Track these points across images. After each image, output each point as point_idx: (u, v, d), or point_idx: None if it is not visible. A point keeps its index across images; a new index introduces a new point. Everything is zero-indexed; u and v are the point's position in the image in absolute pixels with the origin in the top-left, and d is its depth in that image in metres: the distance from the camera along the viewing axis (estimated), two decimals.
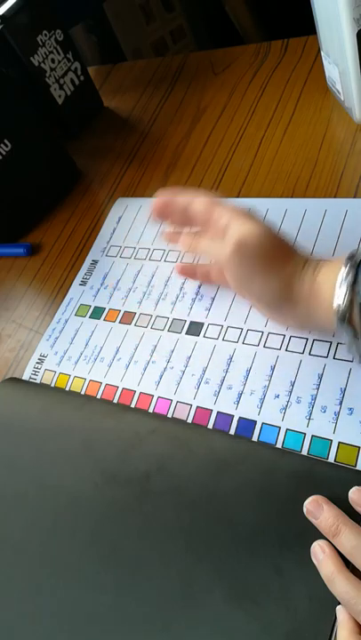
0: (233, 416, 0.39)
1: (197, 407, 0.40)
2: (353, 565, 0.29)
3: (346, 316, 0.32)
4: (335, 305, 0.32)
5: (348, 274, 0.32)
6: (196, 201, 0.40)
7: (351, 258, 0.33)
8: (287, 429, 0.37)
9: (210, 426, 0.39)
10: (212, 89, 0.62)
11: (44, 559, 0.38)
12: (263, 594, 0.31)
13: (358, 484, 0.32)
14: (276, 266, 0.36)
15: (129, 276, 0.51)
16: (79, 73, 0.64)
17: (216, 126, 0.58)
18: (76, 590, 0.36)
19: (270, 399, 0.38)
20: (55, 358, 0.49)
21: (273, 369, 0.40)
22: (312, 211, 0.45)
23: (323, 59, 0.50)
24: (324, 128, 0.51)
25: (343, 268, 0.32)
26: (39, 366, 0.49)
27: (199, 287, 0.47)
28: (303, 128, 0.52)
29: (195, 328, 0.45)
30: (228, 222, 0.37)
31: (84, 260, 0.55)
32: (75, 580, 0.36)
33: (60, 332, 0.51)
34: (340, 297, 0.32)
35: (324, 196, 0.46)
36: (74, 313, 0.51)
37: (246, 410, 0.39)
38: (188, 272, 0.47)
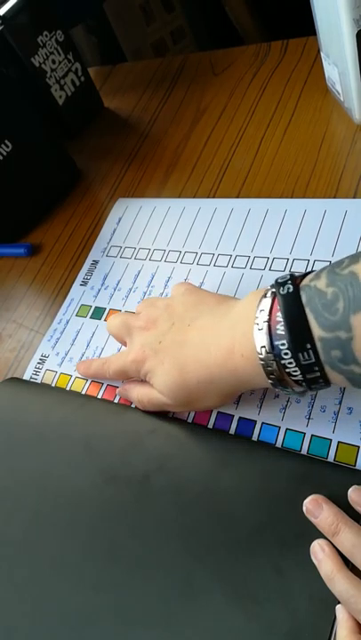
0: (233, 416, 0.39)
1: None
2: (353, 564, 0.30)
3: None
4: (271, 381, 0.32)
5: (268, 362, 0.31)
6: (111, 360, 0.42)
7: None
8: (287, 429, 0.37)
9: (210, 426, 0.39)
10: (212, 89, 0.62)
11: (44, 559, 0.38)
12: (263, 594, 0.31)
13: (358, 484, 0.32)
14: (208, 396, 0.36)
15: (129, 277, 0.51)
16: (80, 74, 0.64)
17: (216, 127, 0.58)
18: (76, 590, 0.36)
19: (270, 399, 0.38)
20: (56, 359, 0.49)
21: None
22: (312, 211, 0.45)
23: (322, 59, 0.50)
24: (324, 128, 0.51)
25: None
26: (40, 366, 0.49)
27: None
28: (303, 128, 0.52)
29: None
30: (149, 371, 0.38)
31: (85, 261, 0.55)
32: (75, 579, 0.36)
33: (62, 332, 0.51)
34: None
35: (324, 196, 0.46)
36: (75, 313, 0.51)
37: (246, 410, 0.39)
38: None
